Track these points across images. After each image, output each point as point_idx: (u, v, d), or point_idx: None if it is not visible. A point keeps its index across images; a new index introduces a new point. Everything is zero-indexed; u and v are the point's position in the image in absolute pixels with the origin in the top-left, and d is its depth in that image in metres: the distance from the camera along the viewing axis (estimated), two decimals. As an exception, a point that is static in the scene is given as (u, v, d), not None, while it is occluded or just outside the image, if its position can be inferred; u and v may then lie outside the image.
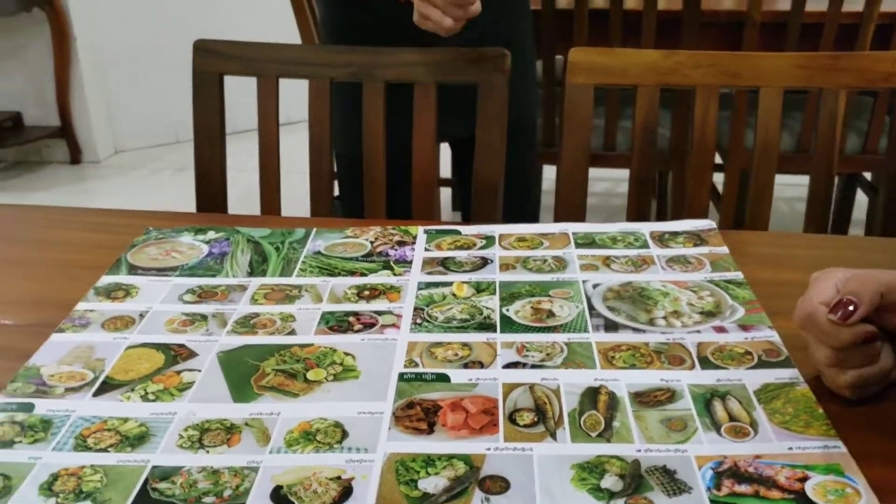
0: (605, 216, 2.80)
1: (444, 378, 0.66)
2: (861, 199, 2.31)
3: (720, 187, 1.86)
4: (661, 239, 0.88)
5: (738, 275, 0.80)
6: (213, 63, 1.16)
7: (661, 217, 2.43)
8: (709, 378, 0.65)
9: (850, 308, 0.57)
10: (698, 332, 0.71)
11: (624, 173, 1.31)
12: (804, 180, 1.12)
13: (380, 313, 0.75)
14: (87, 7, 3.36)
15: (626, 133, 2.03)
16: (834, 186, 1.13)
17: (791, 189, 2.77)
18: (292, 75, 1.14)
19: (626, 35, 1.88)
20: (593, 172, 1.13)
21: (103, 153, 3.54)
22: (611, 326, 0.72)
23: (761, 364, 0.66)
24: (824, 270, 0.61)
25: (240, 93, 1.14)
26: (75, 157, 3.48)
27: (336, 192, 2.13)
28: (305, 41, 2.22)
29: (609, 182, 3.02)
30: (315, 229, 0.93)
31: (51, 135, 3.40)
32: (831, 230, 2.30)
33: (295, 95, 1.15)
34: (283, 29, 2.66)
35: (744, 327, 0.71)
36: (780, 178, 1.11)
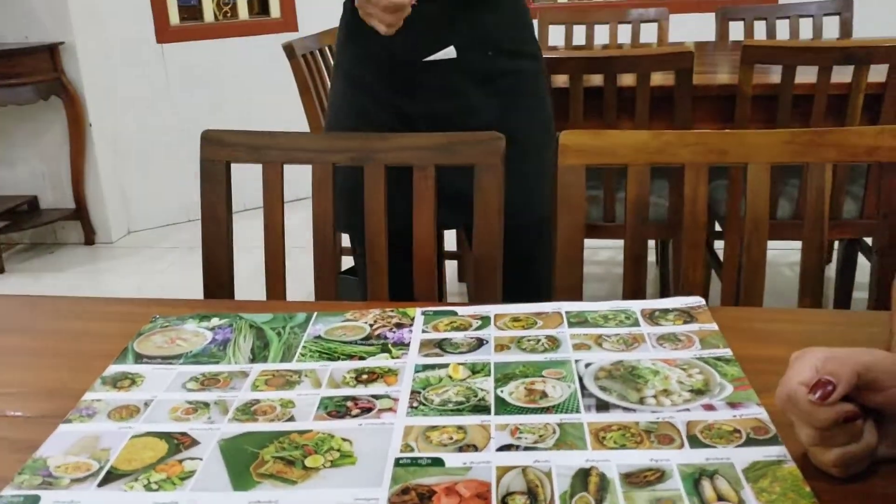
0: (608, 284, 2.82)
1: (438, 462, 0.67)
2: (864, 261, 2.32)
3: (722, 253, 1.89)
4: (652, 317, 0.90)
5: (727, 352, 0.82)
6: (219, 152, 1.21)
7: (663, 284, 2.45)
8: (698, 457, 0.66)
9: (829, 388, 0.58)
10: (688, 410, 0.72)
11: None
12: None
13: (377, 397, 0.77)
14: (101, 95, 3.49)
15: (624, 205, 2.07)
16: (824, 260, 1.15)
17: (793, 254, 2.78)
18: (296, 161, 1.19)
19: (621, 111, 1.94)
20: (596, 242, 1.15)
21: (116, 234, 3.62)
22: (602, 406, 0.74)
23: (749, 442, 0.67)
24: (803, 350, 0.63)
25: (250, 171, 1.19)
26: (89, 238, 3.56)
27: (343, 268, 2.16)
28: (312, 127, 2.30)
29: (612, 250, 3.05)
30: (316, 313, 0.96)
31: (66, 217, 3.49)
32: (834, 297, 2.31)
33: (302, 173, 1.20)
34: (289, 112, 2.76)
35: (732, 405, 0.73)
36: (781, 244, 1.13)
